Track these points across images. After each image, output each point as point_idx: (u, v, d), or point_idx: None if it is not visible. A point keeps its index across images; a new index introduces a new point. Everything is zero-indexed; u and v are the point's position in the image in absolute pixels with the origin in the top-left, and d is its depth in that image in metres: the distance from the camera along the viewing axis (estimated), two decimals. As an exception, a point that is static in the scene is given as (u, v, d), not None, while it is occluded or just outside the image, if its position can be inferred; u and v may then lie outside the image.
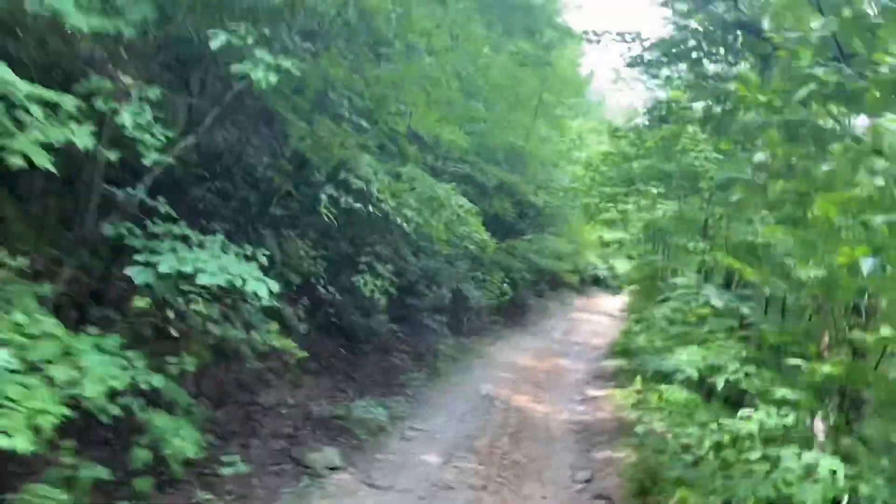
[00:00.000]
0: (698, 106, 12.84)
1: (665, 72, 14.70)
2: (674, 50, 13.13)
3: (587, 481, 8.04)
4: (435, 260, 13.27)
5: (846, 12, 4.43)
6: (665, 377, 9.50)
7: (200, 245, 5.01)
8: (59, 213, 5.91)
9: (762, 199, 8.38)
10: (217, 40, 4.27)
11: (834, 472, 4.50)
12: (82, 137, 3.87)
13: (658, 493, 6.84)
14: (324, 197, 7.26)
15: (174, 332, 5.26)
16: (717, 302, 7.52)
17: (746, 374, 5.76)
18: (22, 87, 3.56)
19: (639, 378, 13.90)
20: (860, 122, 6.66)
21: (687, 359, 6.16)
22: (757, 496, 4.74)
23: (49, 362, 3.98)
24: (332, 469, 6.95)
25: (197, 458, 5.37)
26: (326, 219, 7.01)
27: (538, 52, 14.97)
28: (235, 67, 4.39)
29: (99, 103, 4.28)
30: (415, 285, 12.67)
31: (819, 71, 5.10)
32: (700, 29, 13.02)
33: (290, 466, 6.91)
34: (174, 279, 4.99)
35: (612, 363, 17.82)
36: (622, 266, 37.08)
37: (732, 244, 7.66)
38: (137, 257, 4.79)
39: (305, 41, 6.47)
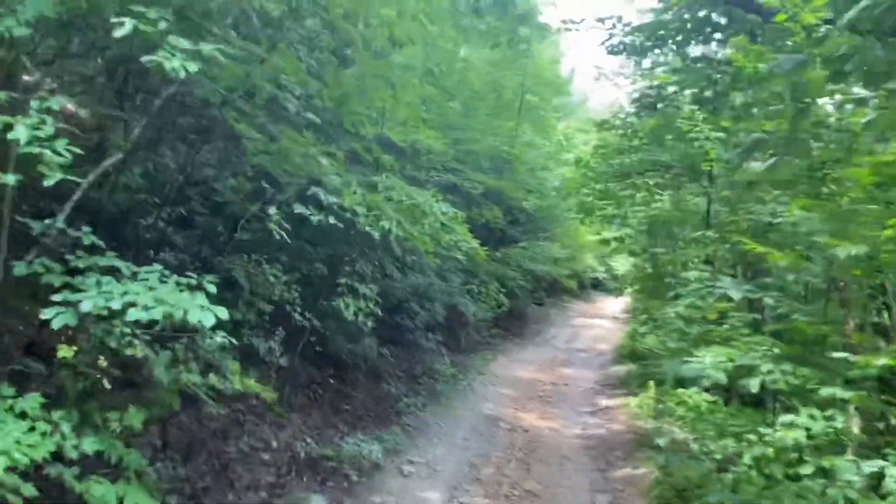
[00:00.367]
0: (688, 91, 12.18)
1: (650, 58, 14.08)
2: (660, 32, 12.49)
3: (609, 507, 7.23)
4: (425, 275, 12.46)
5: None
6: (683, 382, 8.71)
7: (134, 277, 4.21)
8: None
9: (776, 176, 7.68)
10: (122, 29, 3.51)
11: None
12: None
13: (693, 517, 6.05)
14: (272, 211, 6.43)
15: (106, 384, 4.43)
16: (736, 294, 6.76)
17: (783, 374, 4.97)
18: None
19: (651, 383, 13.12)
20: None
21: (712, 361, 5.36)
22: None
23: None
24: (321, 520, 6.14)
25: (152, 529, 4.55)
26: (277, 237, 6.18)
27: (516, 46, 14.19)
28: (145, 58, 3.63)
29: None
30: (404, 304, 11.85)
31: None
32: (685, 9, 12.40)
33: (272, 522, 6.10)
34: (109, 320, 4.21)
35: (621, 369, 17.04)
36: (622, 267, 36.44)
37: (751, 227, 6.89)
38: (56, 297, 3.99)
39: (252, 39, 5.73)
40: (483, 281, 18.03)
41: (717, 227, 8.13)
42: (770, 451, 4.73)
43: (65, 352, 4.10)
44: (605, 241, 11.46)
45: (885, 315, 7.15)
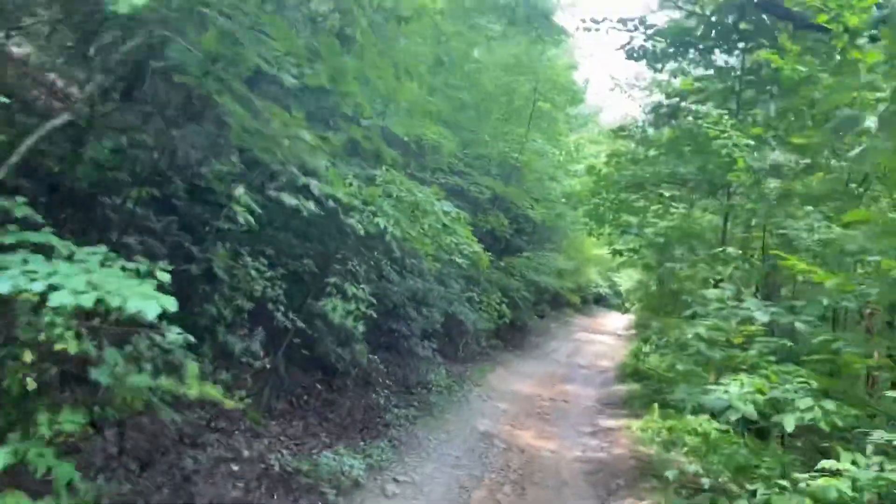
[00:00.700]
0: (707, 106, 11.52)
1: (669, 66, 13.43)
2: (685, 38, 11.86)
3: (610, 544, 6.55)
4: (424, 280, 11.81)
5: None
6: (696, 409, 8.03)
7: (70, 258, 3.56)
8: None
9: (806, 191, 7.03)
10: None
11: None
12: None
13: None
14: (240, 191, 5.74)
15: (31, 382, 3.77)
16: (762, 317, 6.10)
17: (825, 412, 4.30)
18: None
19: (655, 406, 12.43)
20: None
21: (738, 392, 4.69)
22: None
23: None
24: (288, 546, 5.47)
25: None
26: (243, 221, 5.48)
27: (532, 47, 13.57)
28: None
29: None
30: (400, 309, 11.19)
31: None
32: (713, 14, 11.76)
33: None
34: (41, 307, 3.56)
35: (623, 388, 16.36)
36: (626, 283, 35.80)
37: (782, 243, 6.23)
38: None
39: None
40: (485, 289, 17.39)
41: (738, 242, 7.46)
42: (807, 503, 4.06)
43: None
44: (618, 252, 10.80)
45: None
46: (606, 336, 28.45)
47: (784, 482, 4.42)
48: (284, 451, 7.21)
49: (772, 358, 5.55)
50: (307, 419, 8.75)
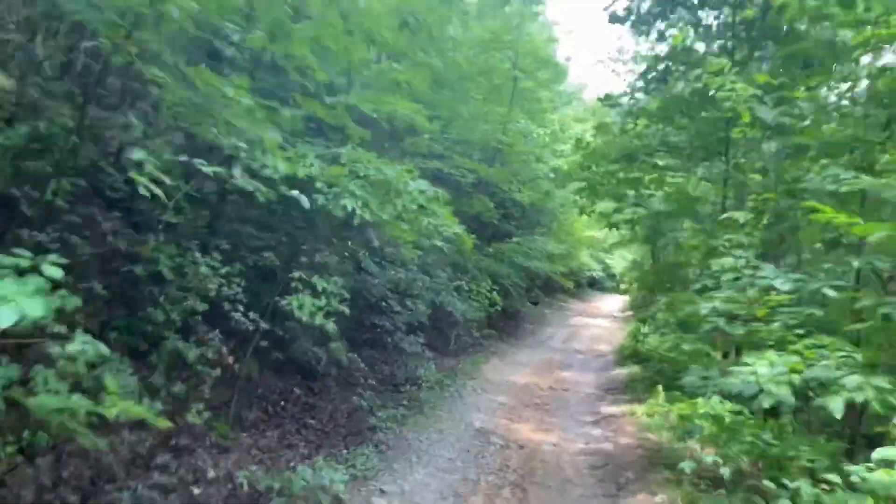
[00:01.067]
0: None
1: (658, 27, 12.68)
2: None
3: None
4: (406, 270, 11.03)
5: None
6: (696, 391, 7.31)
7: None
8: None
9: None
10: None
11: None
12: None
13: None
14: (140, 155, 4.78)
15: None
16: (783, 285, 5.36)
17: (879, 391, 3.56)
18: None
19: (660, 389, 11.72)
20: None
21: (769, 373, 3.94)
22: None
23: None
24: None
25: None
26: (145, 191, 4.59)
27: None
28: None
29: None
30: (382, 302, 10.41)
31: None
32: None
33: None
34: None
35: (623, 371, 15.68)
36: (619, 265, 35.24)
37: (810, 196, 5.47)
38: None
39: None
40: (474, 277, 16.64)
41: (753, 202, 6.70)
42: (870, 502, 3.35)
43: None
44: (614, 226, 10.05)
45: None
46: (602, 319, 27.84)
47: (833, 476, 3.70)
48: (255, 467, 6.43)
49: (800, 331, 4.84)
50: (284, 427, 7.97)
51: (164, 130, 6.02)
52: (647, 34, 12.56)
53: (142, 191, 4.10)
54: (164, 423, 4.15)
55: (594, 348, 19.79)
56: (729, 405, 7.34)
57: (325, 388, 9.50)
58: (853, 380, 3.74)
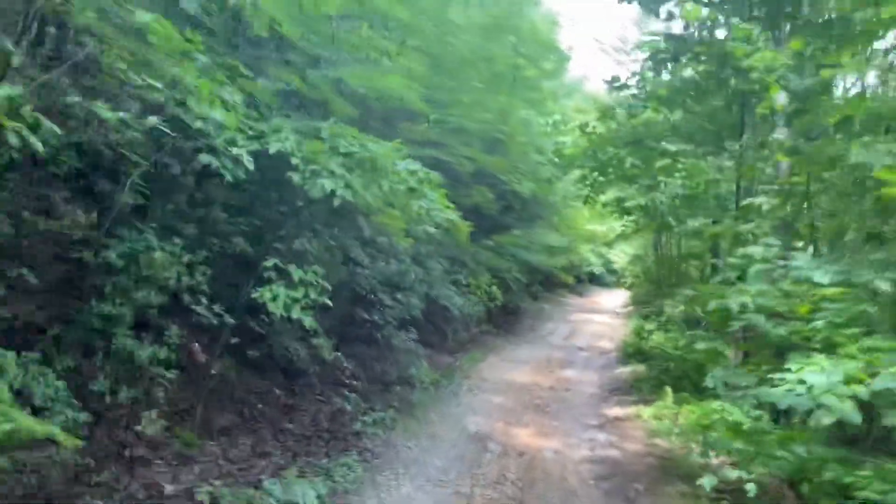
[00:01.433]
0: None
1: (669, 5, 11.92)
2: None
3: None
4: (398, 261, 10.29)
5: None
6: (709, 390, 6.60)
7: None
8: None
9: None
10: None
11: None
12: None
13: None
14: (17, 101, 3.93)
15: None
16: (822, 277, 4.62)
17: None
18: None
19: (667, 390, 11.02)
20: None
21: (825, 382, 3.22)
22: None
23: None
24: None
25: None
26: (17, 143, 3.74)
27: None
28: None
29: None
30: (372, 295, 9.67)
31: None
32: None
33: None
34: None
35: (627, 370, 14.93)
36: (622, 259, 34.54)
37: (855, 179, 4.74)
38: None
39: None
40: (472, 271, 15.92)
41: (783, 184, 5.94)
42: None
43: None
44: (625, 212, 9.28)
45: None
46: (603, 315, 27.10)
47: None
48: (219, 482, 5.70)
49: (849, 331, 4.11)
50: (259, 433, 7.25)
51: (115, 97, 5.26)
52: (657, 14, 11.78)
53: (12, 140, 3.32)
54: (73, 442, 3.41)
55: (596, 345, 19.06)
56: (745, 408, 6.63)
57: (308, 388, 8.78)
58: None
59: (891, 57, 5.94)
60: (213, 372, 7.39)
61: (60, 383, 4.28)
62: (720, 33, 11.04)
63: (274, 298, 5.78)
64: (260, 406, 7.95)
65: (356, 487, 6.34)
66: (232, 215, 6.33)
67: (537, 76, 19.44)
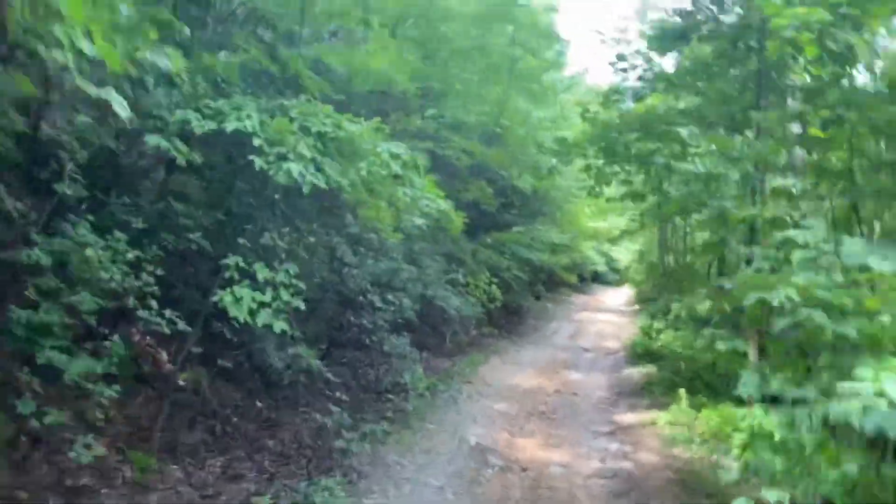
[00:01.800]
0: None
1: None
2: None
3: None
4: (389, 259, 9.52)
5: None
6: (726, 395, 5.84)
7: None
8: None
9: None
10: None
11: None
12: None
13: None
14: None
15: None
16: (882, 264, 3.85)
17: None
18: None
19: (682, 393, 10.22)
20: None
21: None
22: None
23: None
24: None
25: None
26: None
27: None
28: None
29: None
30: (361, 295, 8.89)
31: None
32: None
33: None
34: None
35: (636, 371, 14.13)
36: (625, 256, 33.85)
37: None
38: None
39: None
40: (471, 270, 15.15)
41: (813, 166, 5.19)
42: None
43: None
44: (639, 196, 8.52)
45: None
46: (608, 314, 26.34)
47: None
48: (180, 513, 4.94)
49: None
50: (231, 452, 6.48)
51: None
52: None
53: None
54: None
55: (602, 345, 18.28)
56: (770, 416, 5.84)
57: (292, 400, 8.02)
58: None
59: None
60: (180, 383, 6.65)
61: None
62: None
63: (237, 301, 5.01)
64: (235, 420, 7.19)
65: (339, 512, 5.57)
66: (191, 207, 5.56)
67: (536, 67, 18.69)
